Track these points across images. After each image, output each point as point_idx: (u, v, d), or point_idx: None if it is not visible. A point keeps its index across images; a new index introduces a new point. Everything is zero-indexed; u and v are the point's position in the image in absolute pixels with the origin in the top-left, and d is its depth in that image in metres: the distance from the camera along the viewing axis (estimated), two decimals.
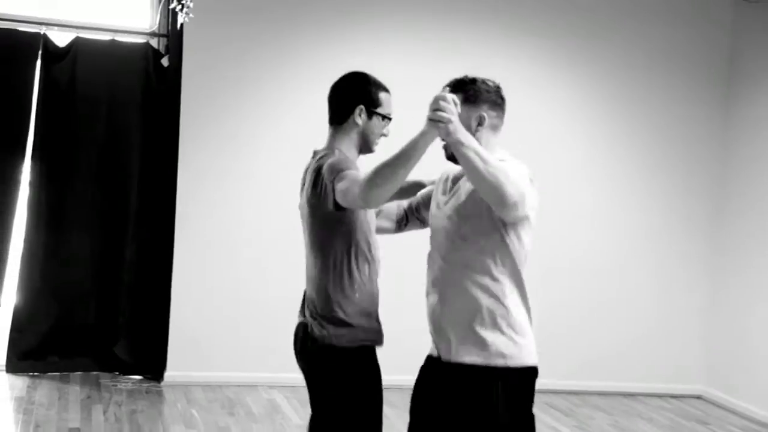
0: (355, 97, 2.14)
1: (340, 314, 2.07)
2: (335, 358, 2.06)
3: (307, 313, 2.15)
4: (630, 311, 4.85)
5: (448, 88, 1.92)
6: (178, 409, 4.01)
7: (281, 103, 4.39)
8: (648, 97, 4.81)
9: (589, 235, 4.78)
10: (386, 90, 2.18)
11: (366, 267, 2.14)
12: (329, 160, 2.07)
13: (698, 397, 4.86)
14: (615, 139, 4.86)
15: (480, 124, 1.92)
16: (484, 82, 2.01)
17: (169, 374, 4.32)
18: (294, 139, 4.10)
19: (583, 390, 4.73)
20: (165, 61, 4.28)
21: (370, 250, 2.16)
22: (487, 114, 1.95)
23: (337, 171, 2.01)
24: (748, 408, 4.50)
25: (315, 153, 2.18)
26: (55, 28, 4.21)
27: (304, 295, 2.24)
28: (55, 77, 4.20)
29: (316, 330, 2.06)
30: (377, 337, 2.10)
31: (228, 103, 4.32)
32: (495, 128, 1.96)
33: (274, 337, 3.92)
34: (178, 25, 3.85)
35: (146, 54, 4.30)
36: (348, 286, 2.10)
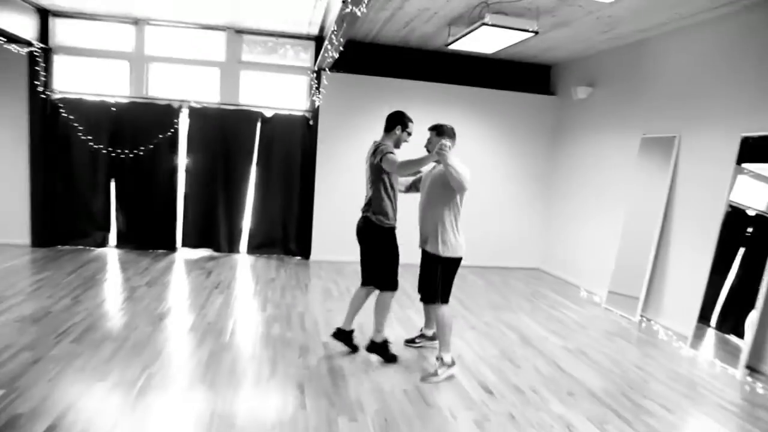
0: (397, 120, 4.01)
1: (381, 214, 3.93)
2: (380, 231, 3.99)
3: (368, 212, 3.99)
4: (502, 220, 8.27)
5: (433, 131, 3.92)
6: (316, 271, 7.22)
7: (364, 137, 7.56)
8: (516, 138, 8.17)
9: (488, 193, 8.16)
10: (411, 120, 4.05)
11: (392, 194, 3.96)
12: (383, 146, 3.88)
13: (537, 269, 8.21)
14: (502, 157, 8.19)
15: (451, 149, 3.61)
16: (445, 125, 3.92)
17: (312, 256, 7.81)
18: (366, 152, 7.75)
19: (476, 265, 8.05)
20: (311, 122, 7.71)
21: (393, 188, 3.97)
22: (449, 140, 3.77)
23: (387, 152, 3.81)
24: (560, 275, 7.69)
25: (374, 142, 3.98)
26: (266, 109, 7.64)
27: (365, 204, 4.03)
28: (265, 130, 7.65)
29: (373, 218, 3.96)
30: (394, 225, 4.01)
31: (337, 140, 7.67)
32: (451, 147, 3.68)
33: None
34: (316, 105, 7.52)
35: (303, 119, 7.70)
36: (384, 201, 3.94)
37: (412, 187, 4.31)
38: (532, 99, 8.24)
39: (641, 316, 6.01)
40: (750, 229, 4.92)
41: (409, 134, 4.09)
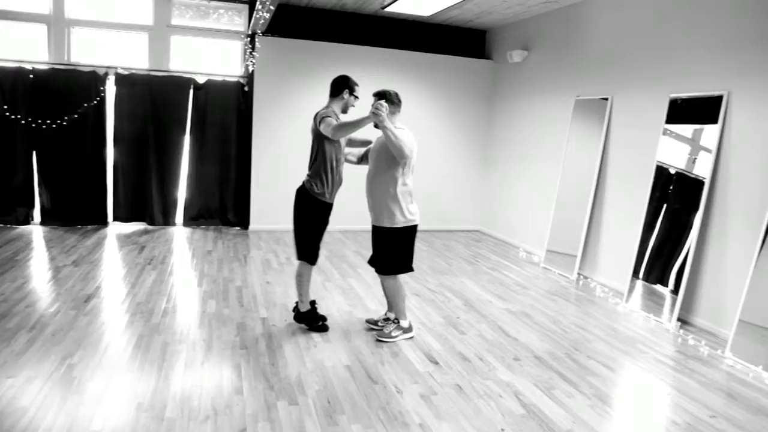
0: (343, 84, 3.72)
1: (318, 180, 3.65)
2: (313, 202, 3.70)
3: (306, 179, 3.73)
4: (443, 183, 8.09)
5: (377, 97, 3.53)
6: (255, 242, 6.79)
7: (302, 103, 7.18)
8: (455, 102, 7.92)
9: (428, 156, 7.90)
10: (357, 84, 3.77)
11: (333, 164, 3.66)
12: (323, 111, 3.59)
13: (477, 231, 8.09)
14: (441, 121, 7.94)
15: (387, 109, 3.35)
16: (389, 91, 3.58)
17: (251, 226, 7.33)
18: (304, 119, 7.07)
19: (423, 229, 7.78)
20: (246, 89, 7.13)
21: (336, 158, 3.67)
22: (392, 105, 3.52)
23: (325, 116, 3.53)
24: (500, 236, 7.58)
25: (319, 110, 3.63)
26: (199, 75, 7.02)
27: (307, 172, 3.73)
28: (198, 97, 7.05)
29: (308, 185, 3.70)
30: (329, 200, 3.70)
31: (274, 106, 7.18)
32: (395, 113, 3.54)
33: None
34: (250, 71, 6.92)
35: (238, 86, 7.14)
36: (322, 168, 3.64)
37: (364, 158, 3.99)
38: (470, 63, 7.96)
39: (578, 274, 5.90)
40: (671, 187, 4.85)
41: (356, 98, 3.80)
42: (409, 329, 3.89)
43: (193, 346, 3.61)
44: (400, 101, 3.64)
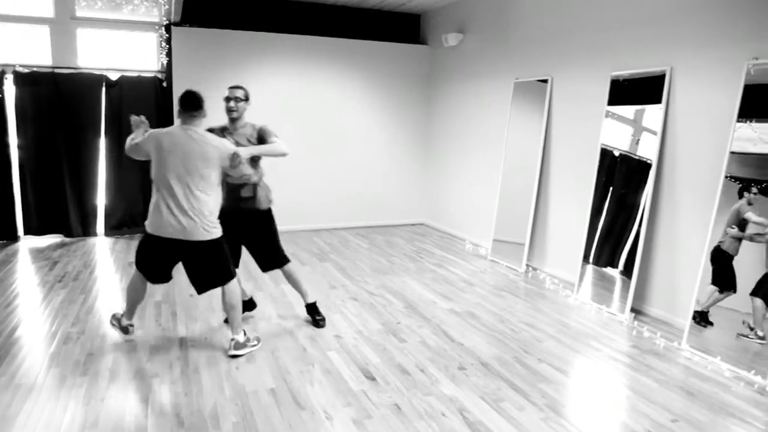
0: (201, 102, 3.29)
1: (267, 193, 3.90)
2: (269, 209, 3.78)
3: (253, 195, 3.66)
4: (383, 176, 7.72)
5: (237, 89, 3.50)
6: None
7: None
8: (390, 90, 7.56)
9: (365, 149, 7.55)
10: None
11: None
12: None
13: (422, 224, 7.77)
14: (377, 111, 7.57)
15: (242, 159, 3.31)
16: (187, 96, 3.25)
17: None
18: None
19: (359, 225, 7.50)
20: (164, 84, 6.60)
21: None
22: (191, 113, 3.22)
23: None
24: (445, 228, 7.27)
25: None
26: (111, 71, 6.41)
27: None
28: (111, 94, 6.42)
29: (265, 202, 3.84)
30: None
31: None
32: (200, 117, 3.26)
33: None
34: (167, 65, 6.44)
35: (155, 81, 6.61)
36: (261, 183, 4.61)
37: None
38: (404, 49, 7.56)
39: (527, 265, 5.62)
40: (618, 170, 4.62)
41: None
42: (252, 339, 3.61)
43: (95, 378, 3.10)
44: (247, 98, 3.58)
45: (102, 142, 6.53)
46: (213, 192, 3.25)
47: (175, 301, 4.46)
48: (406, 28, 7.75)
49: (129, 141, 3.33)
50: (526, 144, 5.65)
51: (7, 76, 6.11)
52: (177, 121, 3.32)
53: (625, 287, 4.32)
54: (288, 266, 3.85)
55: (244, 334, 3.50)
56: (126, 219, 6.78)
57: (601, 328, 4.07)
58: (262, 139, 3.49)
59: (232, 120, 3.51)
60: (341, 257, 5.91)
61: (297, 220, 7.23)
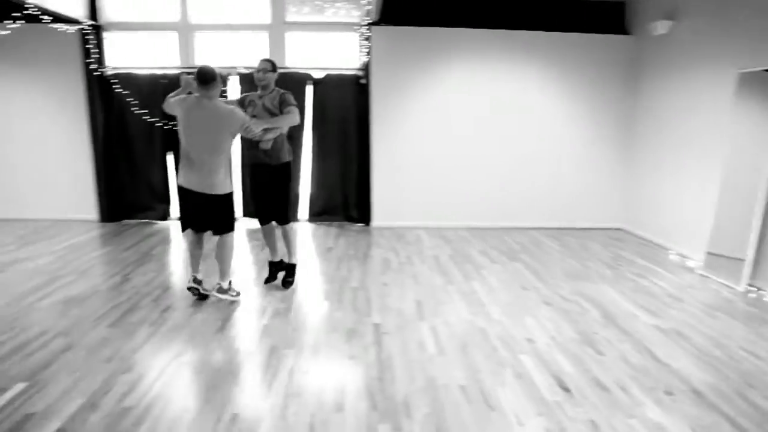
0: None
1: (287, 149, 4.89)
2: (288, 167, 4.37)
3: (268, 152, 4.21)
4: (578, 177, 7.27)
5: (263, 61, 4.10)
6: (377, 239, 6.50)
7: (417, 96, 6.86)
8: (589, 86, 7.03)
9: (561, 147, 7.15)
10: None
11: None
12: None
13: (619, 229, 7.15)
14: (574, 108, 7.08)
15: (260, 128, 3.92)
16: (198, 73, 3.76)
17: (374, 222, 7.15)
18: (422, 110, 6.91)
19: (551, 227, 7.15)
20: (363, 81, 6.89)
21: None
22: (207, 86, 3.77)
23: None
24: (646, 235, 6.64)
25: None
26: (317, 70, 6.89)
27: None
28: (317, 92, 6.90)
29: (281, 158, 4.26)
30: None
31: (392, 98, 6.88)
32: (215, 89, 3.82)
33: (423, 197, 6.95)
34: (366, 63, 6.70)
35: (355, 78, 6.91)
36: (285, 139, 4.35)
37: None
38: (605, 39, 7.01)
39: (748, 285, 4.90)
40: None
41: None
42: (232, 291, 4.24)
43: (300, 352, 3.39)
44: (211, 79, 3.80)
45: (307, 135, 7.04)
46: (224, 153, 3.86)
47: (369, 288, 4.68)
48: (608, 18, 7.17)
49: (168, 97, 3.95)
50: (753, 143, 4.92)
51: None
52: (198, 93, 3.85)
53: None
54: (287, 226, 4.44)
55: (230, 284, 4.17)
56: (327, 207, 7.26)
57: None
58: (282, 104, 4.12)
59: (263, 87, 4.18)
60: (532, 258, 5.74)
61: (486, 217, 7.19)
